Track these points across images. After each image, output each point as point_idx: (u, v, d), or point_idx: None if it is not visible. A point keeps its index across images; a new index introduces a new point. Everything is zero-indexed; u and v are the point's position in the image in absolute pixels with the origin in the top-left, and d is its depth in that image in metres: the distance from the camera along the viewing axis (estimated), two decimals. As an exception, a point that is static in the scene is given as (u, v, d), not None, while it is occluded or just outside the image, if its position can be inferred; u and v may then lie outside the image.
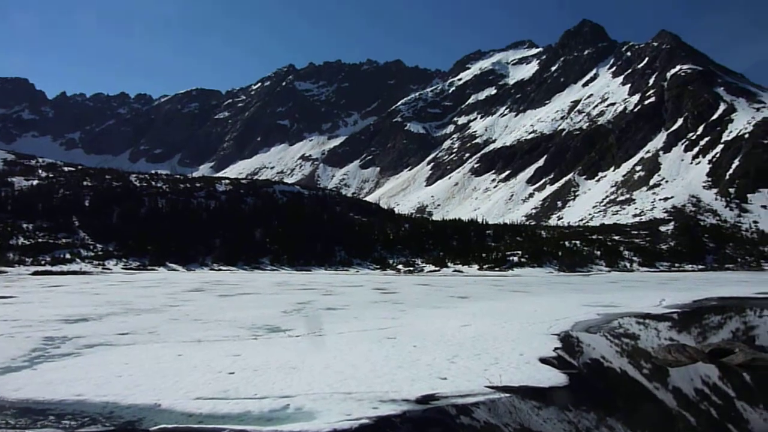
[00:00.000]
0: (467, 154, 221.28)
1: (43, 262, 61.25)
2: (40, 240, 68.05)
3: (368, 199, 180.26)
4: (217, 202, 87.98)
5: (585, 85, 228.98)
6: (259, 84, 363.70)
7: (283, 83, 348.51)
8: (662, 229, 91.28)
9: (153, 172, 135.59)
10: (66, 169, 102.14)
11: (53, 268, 58.49)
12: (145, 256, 68.52)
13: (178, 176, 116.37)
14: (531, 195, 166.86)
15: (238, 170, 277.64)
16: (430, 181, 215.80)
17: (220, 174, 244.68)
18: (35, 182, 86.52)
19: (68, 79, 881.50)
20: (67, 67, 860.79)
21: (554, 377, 10.61)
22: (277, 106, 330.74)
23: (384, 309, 22.78)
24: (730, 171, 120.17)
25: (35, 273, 53.64)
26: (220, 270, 67.07)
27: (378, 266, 74.58)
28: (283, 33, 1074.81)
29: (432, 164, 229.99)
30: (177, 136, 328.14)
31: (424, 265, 74.52)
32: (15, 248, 63.73)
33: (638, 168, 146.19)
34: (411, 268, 72.29)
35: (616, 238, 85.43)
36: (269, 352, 12.51)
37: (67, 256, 64.88)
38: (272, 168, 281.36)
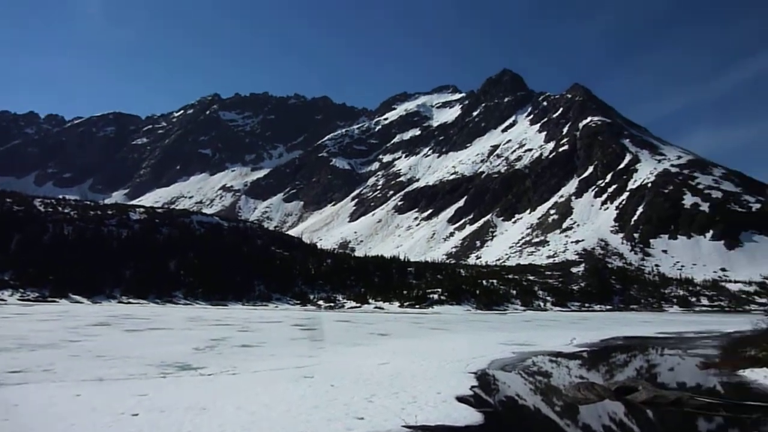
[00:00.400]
0: (391, 192, 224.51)
1: (-75, 291, 55.46)
2: (-76, 266, 61.84)
3: (291, 233, 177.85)
4: (129, 231, 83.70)
5: (504, 130, 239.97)
6: (182, 111, 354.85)
7: (207, 112, 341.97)
8: (574, 270, 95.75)
9: (61, 197, 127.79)
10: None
11: (-62, 298, 53.10)
12: (46, 287, 63.69)
13: (88, 202, 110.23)
14: (452, 234, 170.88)
15: (154, 199, 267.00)
16: (353, 217, 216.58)
17: (135, 202, 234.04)
18: (-77, 203, 79.18)
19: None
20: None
21: (470, 416, 10.66)
22: (200, 134, 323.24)
23: (302, 346, 22.28)
24: (635, 217, 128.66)
25: None
26: (129, 303, 63.46)
27: (298, 302, 73.23)
28: (208, 62, 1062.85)
29: (356, 200, 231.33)
30: (90, 161, 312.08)
31: (345, 301, 73.95)
32: None
33: (552, 211, 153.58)
34: (332, 304, 71.50)
35: (531, 278, 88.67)
36: (178, 392, 11.83)
37: (-45, 284, 59.20)
38: (191, 198, 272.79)
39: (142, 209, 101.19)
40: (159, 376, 13.96)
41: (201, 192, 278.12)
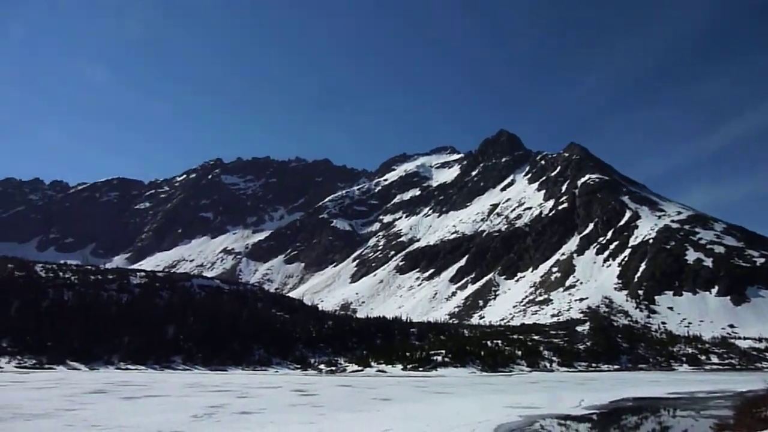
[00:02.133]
0: (392, 252, 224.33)
1: None
2: None
3: (292, 294, 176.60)
4: (129, 296, 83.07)
5: (503, 189, 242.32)
6: (184, 176, 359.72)
7: (209, 176, 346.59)
8: (579, 329, 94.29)
9: (62, 261, 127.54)
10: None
11: (-68, 367, 52.10)
12: (44, 354, 62.59)
13: (89, 267, 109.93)
14: (454, 294, 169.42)
15: (155, 262, 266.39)
16: (355, 277, 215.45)
17: (136, 266, 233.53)
18: (-76, 270, 78.98)
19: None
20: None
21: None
22: (201, 198, 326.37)
23: (303, 413, 21.67)
24: (638, 274, 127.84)
25: None
26: (127, 369, 62.19)
27: (299, 366, 71.72)
28: (210, 126, 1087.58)
29: (357, 261, 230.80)
30: (92, 226, 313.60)
31: (347, 364, 72.47)
32: None
33: (555, 269, 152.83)
34: (333, 368, 70.01)
35: (536, 337, 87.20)
36: (174, 463, 11.42)
37: (-49, 353, 58.20)
38: (192, 261, 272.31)
39: (142, 273, 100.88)
40: (155, 446, 13.51)
41: (202, 255, 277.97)
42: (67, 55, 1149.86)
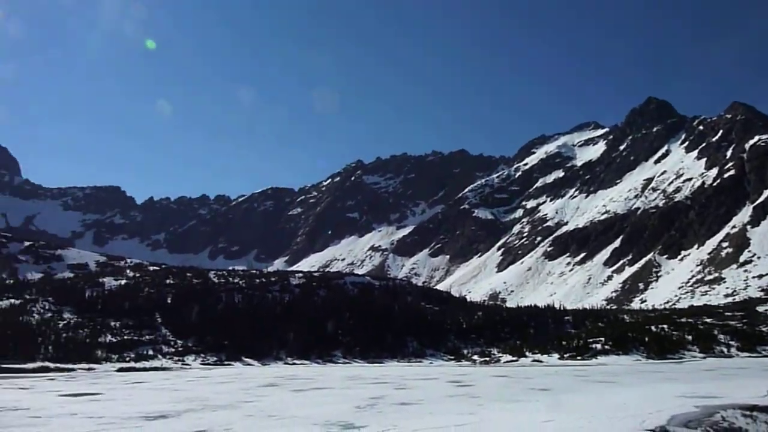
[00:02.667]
0: (539, 238, 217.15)
1: (127, 359, 63.40)
2: (125, 337, 70.89)
3: (439, 287, 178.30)
4: (290, 296, 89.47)
5: (657, 161, 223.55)
6: (329, 180, 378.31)
7: (352, 178, 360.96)
8: (760, 309, 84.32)
9: (231, 268, 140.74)
10: (151, 268, 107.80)
11: (137, 365, 60.34)
12: (222, 352, 69.63)
13: (253, 271, 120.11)
14: (609, 278, 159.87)
15: (310, 263, 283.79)
16: (501, 266, 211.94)
17: (293, 268, 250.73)
18: (123, 282, 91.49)
19: (155, 184, 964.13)
20: (154, 174, 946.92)
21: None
22: (347, 200, 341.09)
23: (460, 403, 21.85)
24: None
25: (120, 369, 55.46)
26: (294, 364, 67.01)
27: (452, 357, 72.25)
28: (350, 130, 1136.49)
29: (502, 250, 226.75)
30: (253, 234, 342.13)
31: (500, 354, 71.57)
32: (103, 346, 66.56)
33: (725, 244, 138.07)
34: (487, 359, 69.53)
35: (709, 320, 79.40)
36: (343, 451, 12.15)
37: (150, 352, 66.94)
38: (343, 260, 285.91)
39: (300, 274, 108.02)
40: (325, 435, 14.47)
41: (352, 254, 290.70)
42: (219, 78, 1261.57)
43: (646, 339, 69.23)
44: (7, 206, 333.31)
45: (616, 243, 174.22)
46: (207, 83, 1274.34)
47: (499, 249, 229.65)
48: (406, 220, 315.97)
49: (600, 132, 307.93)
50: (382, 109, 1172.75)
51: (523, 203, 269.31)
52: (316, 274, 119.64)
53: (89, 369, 55.64)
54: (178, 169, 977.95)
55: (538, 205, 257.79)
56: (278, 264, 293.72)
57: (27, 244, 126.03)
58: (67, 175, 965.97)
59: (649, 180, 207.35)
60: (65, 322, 72.56)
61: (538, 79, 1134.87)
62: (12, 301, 76.69)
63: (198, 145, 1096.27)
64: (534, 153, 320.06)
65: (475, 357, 71.10)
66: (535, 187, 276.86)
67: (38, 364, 55.94)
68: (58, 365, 56.20)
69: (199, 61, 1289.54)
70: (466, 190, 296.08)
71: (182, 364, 63.61)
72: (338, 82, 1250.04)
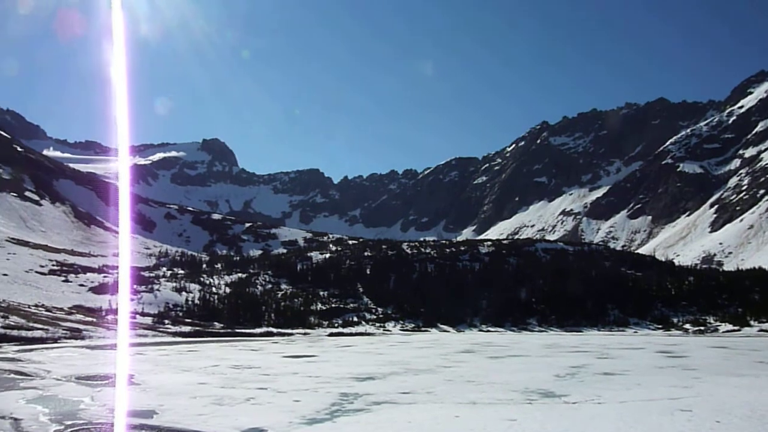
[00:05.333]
0: (761, 191, 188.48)
1: (336, 325, 69.72)
2: (333, 305, 77.86)
3: (641, 251, 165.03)
4: (480, 264, 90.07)
5: None
6: (514, 146, 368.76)
7: (538, 141, 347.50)
8: None
9: (421, 239, 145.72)
10: (350, 242, 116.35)
11: (344, 330, 66.05)
12: (419, 318, 73.03)
13: (443, 242, 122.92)
14: None
15: (498, 231, 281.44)
16: (715, 226, 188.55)
17: (482, 236, 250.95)
18: (327, 255, 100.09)
19: (349, 164, 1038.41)
20: (348, 154, 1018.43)
21: None
22: (534, 164, 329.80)
23: (672, 375, 20.22)
24: None
25: (330, 334, 61.17)
26: (488, 331, 67.68)
27: (659, 326, 66.85)
28: (531, 92, 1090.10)
29: (716, 207, 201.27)
30: (440, 205, 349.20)
31: (717, 323, 64.39)
32: (314, 313, 73.95)
33: None
34: (701, 328, 63.07)
35: None
36: (545, 419, 12.07)
37: (354, 319, 72.79)
38: (532, 226, 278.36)
39: (489, 243, 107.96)
40: (525, 402, 14.48)
41: (542, 219, 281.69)
42: (399, 54, 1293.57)
43: None
44: (229, 193, 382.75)
45: None
46: (386, 61, 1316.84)
47: (711, 206, 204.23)
48: (599, 180, 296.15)
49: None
50: (565, 64, 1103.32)
51: (740, 152, 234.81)
52: (505, 241, 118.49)
53: (305, 333, 62.24)
54: (369, 148, 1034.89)
55: (759, 153, 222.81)
56: (466, 233, 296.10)
57: (247, 225, 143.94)
58: (274, 161, 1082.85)
59: None
60: (282, 292, 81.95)
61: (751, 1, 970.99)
62: (240, 275, 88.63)
63: (384, 124, 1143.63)
64: (751, 93, 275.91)
65: (687, 326, 64.98)
66: (754, 132, 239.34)
67: (264, 329, 64.13)
68: (279, 330, 63.86)
69: (377, 41, 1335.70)
70: (669, 142, 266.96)
71: (383, 330, 68.06)
72: (514, 42, 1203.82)
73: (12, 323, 43.92)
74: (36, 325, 45.37)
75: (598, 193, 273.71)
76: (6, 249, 79.76)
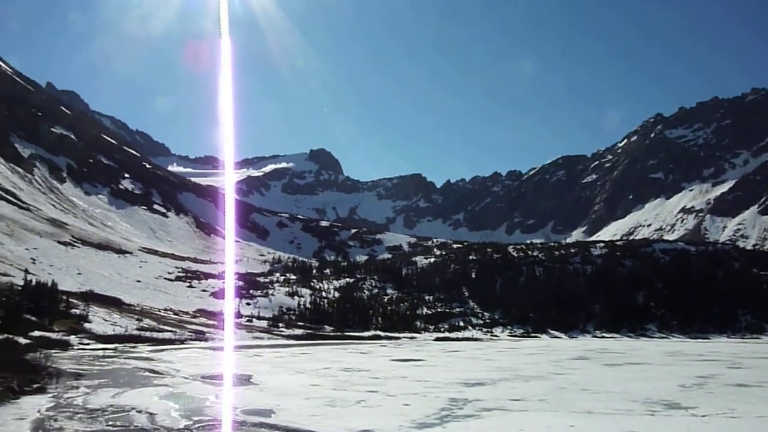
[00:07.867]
0: None
1: (442, 329, 69.57)
2: (438, 309, 77.81)
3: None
4: (593, 267, 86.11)
5: None
6: (625, 141, 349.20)
7: (652, 135, 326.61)
8: None
9: (528, 242, 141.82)
10: (454, 246, 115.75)
11: (450, 335, 65.74)
12: (528, 323, 71.01)
13: (551, 244, 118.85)
14: None
15: (611, 232, 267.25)
16: None
17: (593, 238, 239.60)
18: (432, 260, 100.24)
19: (451, 168, 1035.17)
20: (450, 159, 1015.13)
21: None
22: (648, 159, 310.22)
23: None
24: None
25: (437, 339, 61.14)
26: (602, 337, 64.46)
27: (803, 333, 60.35)
28: (644, 80, 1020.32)
29: None
30: (547, 205, 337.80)
31: None
32: (420, 317, 74.30)
33: None
34: None
35: None
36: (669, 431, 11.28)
37: (460, 323, 72.22)
38: (648, 226, 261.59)
39: (601, 244, 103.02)
40: (646, 413, 13.62)
41: (659, 218, 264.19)
42: (497, 53, 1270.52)
43: None
44: (336, 201, 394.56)
45: None
46: (485, 63, 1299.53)
47: None
48: (723, 174, 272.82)
49: None
50: (679, 50, 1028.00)
51: None
52: (619, 242, 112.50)
53: (411, 337, 62.66)
54: (470, 151, 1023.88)
55: None
56: (576, 235, 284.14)
57: (353, 231, 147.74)
58: (377, 168, 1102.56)
59: None
60: (388, 296, 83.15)
61: None
62: (347, 279, 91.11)
63: (484, 125, 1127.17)
64: None
65: (838, 333, 58.05)
66: None
67: (372, 332, 65.40)
68: (387, 333, 64.83)
69: (476, 43, 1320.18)
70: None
71: (491, 335, 66.91)
72: (621, 30, 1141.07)
73: (145, 326, 48.13)
74: (165, 327, 49.40)
75: (723, 187, 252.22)
76: (138, 258, 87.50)
